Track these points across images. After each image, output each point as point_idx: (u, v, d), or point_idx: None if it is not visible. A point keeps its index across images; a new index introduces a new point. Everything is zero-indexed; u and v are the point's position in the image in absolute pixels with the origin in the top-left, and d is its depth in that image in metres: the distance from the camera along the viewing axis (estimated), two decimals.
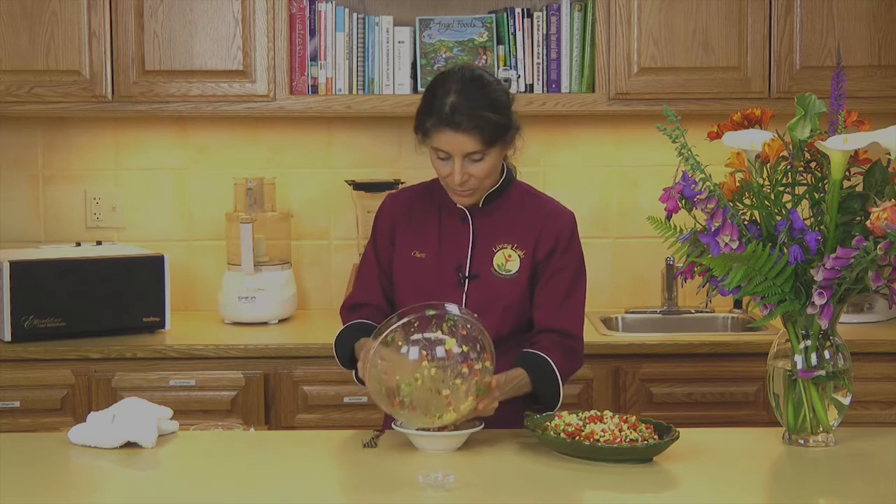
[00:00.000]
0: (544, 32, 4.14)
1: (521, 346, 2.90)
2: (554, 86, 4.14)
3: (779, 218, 2.61)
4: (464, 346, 2.63)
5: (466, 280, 2.92)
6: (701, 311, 4.26)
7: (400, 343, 2.64)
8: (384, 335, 2.65)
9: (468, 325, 2.66)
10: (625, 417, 2.68)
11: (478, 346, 2.65)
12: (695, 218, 2.64)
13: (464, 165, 2.82)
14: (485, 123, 2.79)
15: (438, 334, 2.64)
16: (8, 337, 3.81)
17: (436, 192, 2.99)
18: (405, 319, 2.66)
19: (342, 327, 2.99)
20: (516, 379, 2.81)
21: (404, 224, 2.99)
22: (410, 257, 2.96)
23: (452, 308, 2.69)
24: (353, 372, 2.90)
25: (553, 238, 2.93)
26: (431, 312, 2.66)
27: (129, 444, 2.68)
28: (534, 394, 2.86)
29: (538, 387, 2.85)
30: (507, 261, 2.93)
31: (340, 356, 2.97)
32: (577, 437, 2.60)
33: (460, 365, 2.62)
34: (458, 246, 2.94)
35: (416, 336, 2.64)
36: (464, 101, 2.79)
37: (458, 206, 2.94)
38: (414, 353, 2.63)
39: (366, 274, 3.04)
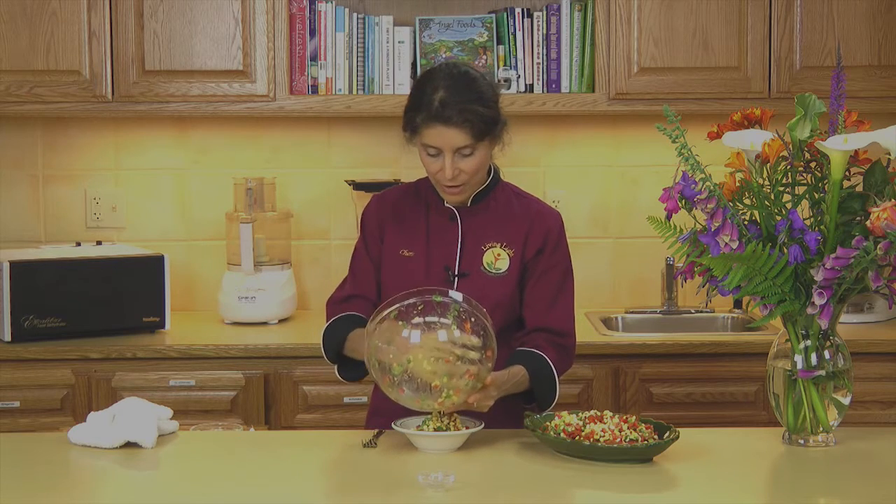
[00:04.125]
0: (544, 32, 4.14)
1: (509, 343, 2.89)
2: (554, 86, 4.14)
3: (779, 218, 2.60)
4: (465, 341, 2.62)
5: (455, 278, 2.92)
6: (701, 311, 4.26)
7: (400, 324, 2.63)
8: (389, 310, 2.64)
9: (472, 319, 2.66)
10: (625, 417, 2.68)
11: (480, 343, 2.64)
12: (695, 218, 2.64)
13: (454, 161, 2.83)
14: (474, 117, 2.79)
15: (439, 320, 2.63)
16: (8, 337, 3.81)
17: (423, 191, 2.99)
18: (410, 300, 2.65)
19: (331, 320, 2.97)
20: (516, 376, 2.81)
21: (391, 223, 2.98)
22: (398, 255, 2.95)
23: (457, 296, 2.68)
24: (336, 368, 2.94)
25: (542, 237, 2.93)
26: (438, 299, 2.65)
27: (129, 444, 2.68)
28: (528, 392, 2.87)
29: (536, 384, 2.85)
30: (497, 259, 2.93)
31: (328, 348, 2.95)
32: (577, 437, 2.60)
33: (458, 360, 2.61)
34: (446, 244, 2.94)
35: (418, 320, 2.64)
36: (453, 96, 2.79)
37: (446, 204, 2.94)
38: (416, 336, 2.62)
39: (358, 268, 3.02)
